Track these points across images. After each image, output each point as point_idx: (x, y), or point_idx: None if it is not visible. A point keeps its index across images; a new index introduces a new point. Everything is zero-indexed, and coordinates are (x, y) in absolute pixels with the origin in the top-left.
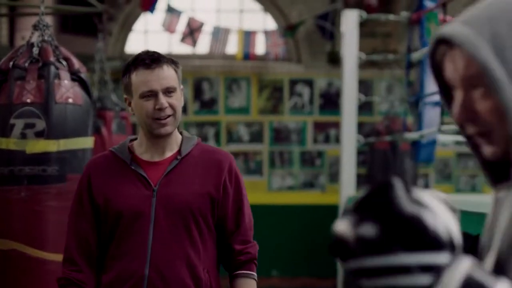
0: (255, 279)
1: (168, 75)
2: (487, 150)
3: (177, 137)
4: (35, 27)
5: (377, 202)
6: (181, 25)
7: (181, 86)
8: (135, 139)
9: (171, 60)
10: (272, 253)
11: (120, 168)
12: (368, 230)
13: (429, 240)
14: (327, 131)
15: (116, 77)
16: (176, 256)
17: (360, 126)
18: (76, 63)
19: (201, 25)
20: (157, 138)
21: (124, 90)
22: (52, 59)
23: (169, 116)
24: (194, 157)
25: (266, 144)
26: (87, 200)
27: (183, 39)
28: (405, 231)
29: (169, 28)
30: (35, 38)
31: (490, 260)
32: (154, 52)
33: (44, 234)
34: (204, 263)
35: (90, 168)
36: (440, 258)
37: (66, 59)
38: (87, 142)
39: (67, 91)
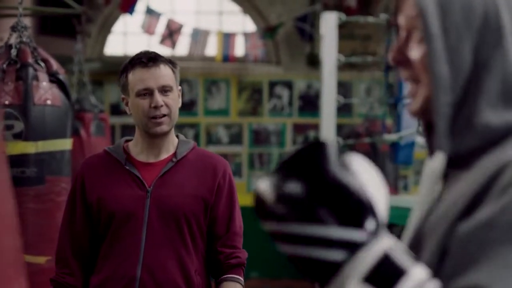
0: (242, 285)
1: (164, 74)
2: (411, 106)
3: (173, 139)
4: (13, 28)
5: (305, 162)
6: (160, 27)
7: (179, 87)
8: (131, 139)
9: (168, 60)
10: (252, 255)
11: (115, 168)
12: (293, 188)
13: (351, 210)
14: (307, 133)
15: (95, 78)
16: (168, 257)
17: (340, 128)
18: (55, 65)
19: (180, 27)
20: (152, 138)
21: (122, 89)
22: (30, 60)
23: (164, 115)
24: (189, 161)
25: (246, 146)
26: (80, 200)
27: (162, 41)
28: (329, 197)
29: (148, 30)
30: (13, 40)
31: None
32: (152, 52)
33: (23, 237)
34: (196, 266)
35: (84, 167)
36: (358, 234)
37: (45, 61)
38: (65, 144)
39: (45, 92)
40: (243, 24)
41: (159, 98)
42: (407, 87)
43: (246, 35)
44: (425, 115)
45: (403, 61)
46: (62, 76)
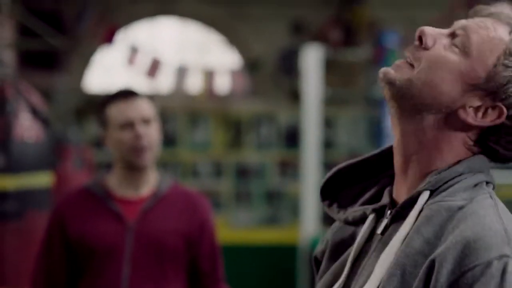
0: None
1: (144, 106)
2: (391, 71)
3: (153, 174)
4: None
5: None
6: (143, 61)
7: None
8: (109, 175)
9: (146, 95)
10: None
11: (94, 204)
12: None
13: None
14: (290, 167)
15: (75, 112)
16: None
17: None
18: (36, 98)
19: (163, 60)
20: (133, 172)
21: (101, 124)
22: (11, 94)
23: (146, 146)
24: (170, 198)
25: (228, 180)
26: (58, 236)
27: (144, 75)
28: None
29: (130, 63)
30: None
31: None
32: (130, 87)
33: (2, 271)
34: None
35: (63, 203)
36: None
37: (26, 95)
38: (46, 179)
39: (26, 127)
40: (227, 56)
41: (141, 129)
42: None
43: (230, 69)
44: (397, 96)
45: (420, 46)
46: (43, 109)
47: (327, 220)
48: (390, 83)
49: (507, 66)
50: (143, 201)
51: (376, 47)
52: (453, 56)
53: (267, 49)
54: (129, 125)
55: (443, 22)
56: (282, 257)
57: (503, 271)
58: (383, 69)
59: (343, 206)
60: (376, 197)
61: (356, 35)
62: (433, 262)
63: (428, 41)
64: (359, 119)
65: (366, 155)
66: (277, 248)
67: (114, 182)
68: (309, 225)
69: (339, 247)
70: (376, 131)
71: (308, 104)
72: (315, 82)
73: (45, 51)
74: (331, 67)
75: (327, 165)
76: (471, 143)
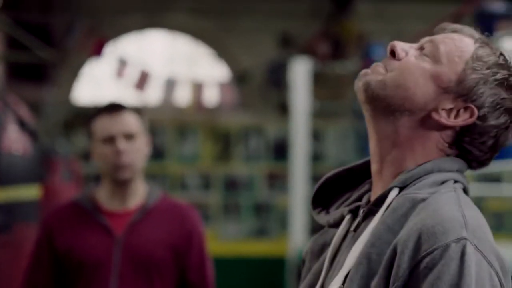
0: None
1: (128, 121)
2: (366, 76)
3: (141, 187)
4: None
5: None
6: (131, 73)
7: (147, 135)
8: (98, 188)
9: (134, 108)
10: None
11: (83, 217)
12: None
13: None
14: (279, 180)
15: (64, 124)
16: None
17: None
18: (24, 111)
19: (152, 73)
20: (120, 185)
21: (89, 138)
22: None
23: (126, 161)
24: (159, 210)
25: (217, 193)
26: (46, 250)
27: (133, 87)
28: None
29: (119, 75)
30: None
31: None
32: (117, 101)
33: None
34: None
35: (52, 217)
36: None
37: (14, 107)
38: (33, 192)
39: (14, 139)
40: (215, 69)
41: (121, 144)
42: None
43: (218, 82)
44: (372, 98)
45: (393, 58)
46: (31, 122)
47: (316, 232)
48: (366, 83)
49: (475, 69)
50: (131, 214)
51: (364, 60)
52: (424, 63)
53: (256, 62)
54: (110, 140)
55: (430, 35)
56: (271, 269)
57: (462, 253)
58: (363, 71)
59: (329, 211)
60: (358, 201)
61: (344, 48)
62: (395, 249)
63: (400, 53)
64: (347, 132)
65: (352, 164)
66: (265, 260)
67: (103, 195)
68: (297, 237)
69: (321, 248)
70: (364, 144)
71: (296, 116)
72: (303, 95)
73: (33, 63)
74: (319, 80)
75: (315, 178)
76: (445, 144)
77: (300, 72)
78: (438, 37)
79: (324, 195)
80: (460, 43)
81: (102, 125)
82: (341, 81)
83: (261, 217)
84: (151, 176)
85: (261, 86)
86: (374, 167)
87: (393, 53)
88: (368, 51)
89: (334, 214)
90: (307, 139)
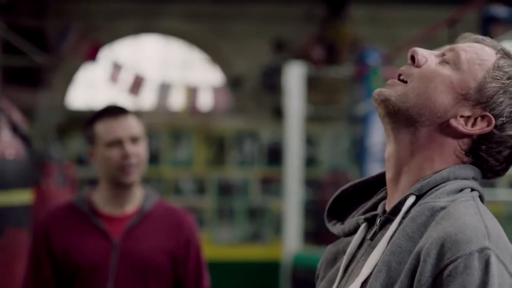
0: None
1: (133, 124)
2: (385, 90)
3: (139, 191)
4: None
5: None
6: (126, 77)
7: (145, 140)
8: (94, 191)
9: (134, 113)
10: None
11: (79, 220)
12: None
13: None
14: (273, 184)
15: (58, 129)
16: None
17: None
18: (17, 116)
19: (146, 77)
20: (119, 189)
21: (87, 141)
22: None
23: (134, 164)
24: (155, 214)
25: (211, 197)
26: (44, 253)
27: (127, 92)
28: None
29: (113, 80)
30: None
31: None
32: (118, 105)
33: None
34: None
35: (48, 220)
36: None
37: (7, 112)
38: (26, 196)
39: (7, 144)
40: (209, 73)
41: (129, 147)
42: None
43: (212, 86)
44: (393, 111)
45: (413, 64)
46: (24, 127)
47: (309, 237)
48: (386, 99)
49: (495, 78)
50: (128, 218)
51: (358, 65)
52: (445, 70)
53: (250, 67)
54: (117, 143)
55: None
56: (265, 273)
57: (487, 263)
58: (376, 90)
59: (344, 223)
60: (372, 210)
61: (338, 53)
62: (418, 258)
63: (420, 59)
64: (341, 137)
65: (368, 176)
66: (259, 265)
67: (99, 198)
68: (291, 241)
69: (335, 257)
70: (358, 149)
71: (291, 121)
72: (297, 99)
73: (28, 68)
74: (313, 85)
75: (309, 182)
76: (462, 152)
77: (294, 77)
78: (459, 45)
79: (339, 208)
80: (481, 52)
81: (108, 129)
82: (335, 85)
83: (255, 221)
84: (145, 180)
85: (255, 91)
86: (389, 175)
87: (413, 59)
88: (362, 55)
89: (349, 222)
90: (301, 144)
